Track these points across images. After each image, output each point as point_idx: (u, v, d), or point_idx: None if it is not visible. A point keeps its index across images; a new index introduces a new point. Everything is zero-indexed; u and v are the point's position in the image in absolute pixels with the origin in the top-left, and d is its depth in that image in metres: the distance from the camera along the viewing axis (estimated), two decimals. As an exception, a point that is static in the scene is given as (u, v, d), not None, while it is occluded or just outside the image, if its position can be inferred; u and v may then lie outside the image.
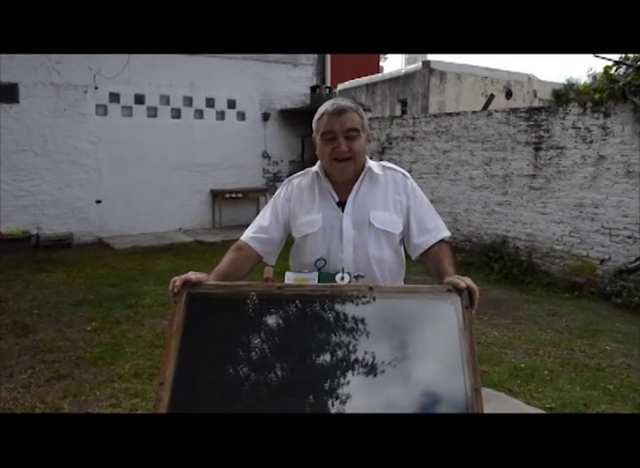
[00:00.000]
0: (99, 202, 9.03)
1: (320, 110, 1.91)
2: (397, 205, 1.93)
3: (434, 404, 1.48)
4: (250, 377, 1.52)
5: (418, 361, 1.54)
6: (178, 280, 1.66)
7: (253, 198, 10.40)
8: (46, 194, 8.58)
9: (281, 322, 1.62)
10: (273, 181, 10.57)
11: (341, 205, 1.93)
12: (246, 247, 1.95)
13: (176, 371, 1.52)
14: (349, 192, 1.93)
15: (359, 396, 1.47)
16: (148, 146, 9.34)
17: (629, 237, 6.11)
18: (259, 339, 1.58)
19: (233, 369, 1.53)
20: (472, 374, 1.49)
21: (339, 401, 1.47)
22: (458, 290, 1.60)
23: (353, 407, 1.46)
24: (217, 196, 10.09)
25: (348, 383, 1.49)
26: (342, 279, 1.78)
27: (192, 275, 1.68)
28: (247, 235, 1.99)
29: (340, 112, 1.85)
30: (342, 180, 1.92)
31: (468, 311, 1.57)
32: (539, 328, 5.18)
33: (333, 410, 1.45)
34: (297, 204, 1.98)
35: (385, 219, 1.91)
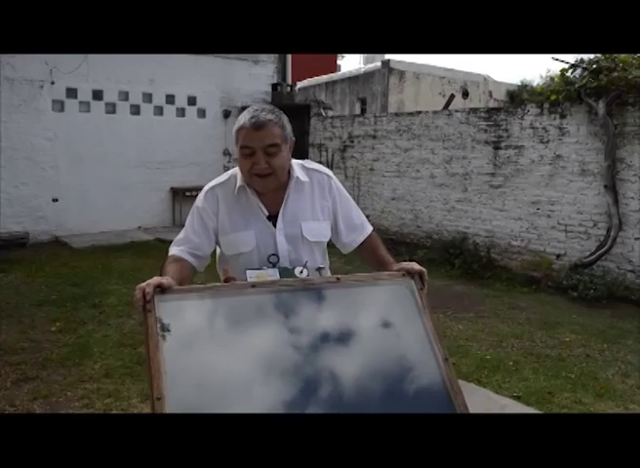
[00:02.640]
0: (55, 200, 8.78)
1: (239, 121, 1.82)
2: (325, 210, 1.99)
3: (414, 376, 1.63)
4: (249, 377, 1.52)
5: (392, 338, 1.69)
6: (147, 286, 1.53)
7: (214, 196, 10.28)
8: (0, 192, 8.30)
9: (264, 318, 1.64)
10: (235, 179, 10.49)
11: (272, 218, 1.92)
12: (183, 260, 1.88)
13: (170, 384, 1.43)
14: (278, 205, 1.91)
15: (349, 375, 1.57)
16: (107, 143, 9.13)
17: (584, 233, 6.37)
18: (247, 339, 1.59)
19: (230, 372, 1.52)
20: (441, 347, 1.67)
21: (336, 387, 1.55)
22: (410, 274, 1.80)
23: (346, 382, 1.56)
24: (177, 194, 9.96)
25: (341, 367, 1.58)
26: (301, 272, 1.84)
27: (163, 280, 1.58)
28: (180, 249, 1.91)
29: (258, 127, 1.77)
30: (267, 192, 1.90)
31: (423, 291, 1.78)
32: (501, 321, 5.35)
33: (332, 395, 1.53)
34: (225, 218, 1.92)
35: (317, 230, 1.96)
